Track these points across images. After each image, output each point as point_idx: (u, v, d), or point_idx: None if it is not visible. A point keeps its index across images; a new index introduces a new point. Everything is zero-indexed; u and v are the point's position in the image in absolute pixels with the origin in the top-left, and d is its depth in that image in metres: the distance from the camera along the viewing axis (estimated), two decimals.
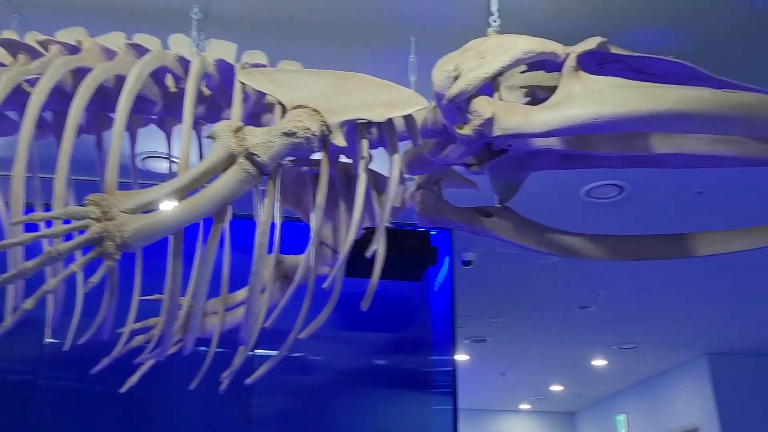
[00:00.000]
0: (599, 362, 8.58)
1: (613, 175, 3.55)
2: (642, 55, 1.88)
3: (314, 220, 1.67)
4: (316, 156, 2.19)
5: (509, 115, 1.73)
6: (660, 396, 9.02)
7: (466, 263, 4.60)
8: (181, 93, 1.98)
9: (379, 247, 2.00)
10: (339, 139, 1.62)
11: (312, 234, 2.14)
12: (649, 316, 6.37)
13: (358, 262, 2.66)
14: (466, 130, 1.76)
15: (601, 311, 6.17)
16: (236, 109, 1.76)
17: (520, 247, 2.34)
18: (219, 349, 2.02)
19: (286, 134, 1.56)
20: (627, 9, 2.44)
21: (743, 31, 2.47)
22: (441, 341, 4.45)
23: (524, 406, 12.42)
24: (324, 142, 1.65)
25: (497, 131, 1.73)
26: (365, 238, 1.96)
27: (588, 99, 1.70)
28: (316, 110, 1.62)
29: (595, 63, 1.94)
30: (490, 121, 1.71)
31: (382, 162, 2.02)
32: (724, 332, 6.96)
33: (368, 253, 1.78)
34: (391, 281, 3.47)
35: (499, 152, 2.13)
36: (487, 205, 2.36)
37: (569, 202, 3.84)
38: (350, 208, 2.26)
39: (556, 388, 10.63)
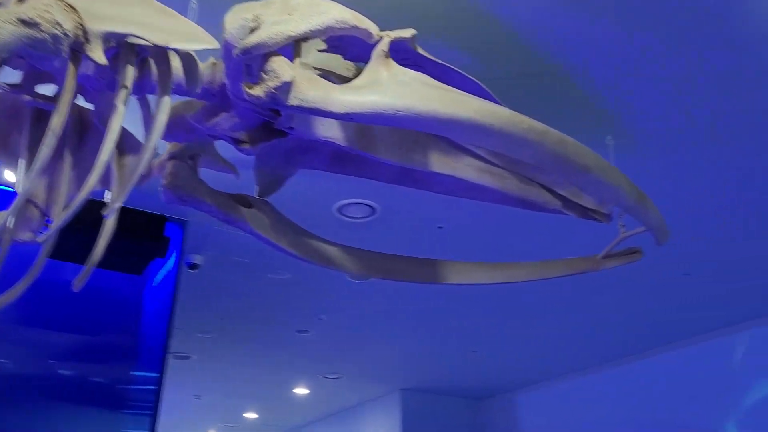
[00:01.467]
0: (301, 390, 8.56)
1: (367, 194, 3.53)
2: (444, 64, 1.84)
3: (39, 154, 1.22)
4: (44, 91, 1.71)
5: (310, 85, 1.52)
6: (352, 428, 9.33)
7: (192, 266, 4.15)
8: None
9: (111, 217, 1.60)
10: (97, 53, 1.22)
11: (22, 183, 1.65)
12: (357, 347, 6.53)
13: (64, 241, 2.14)
14: (257, 91, 1.49)
15: (318, 337, 6.13)
16: None
17: (274, 247, 2.14)
18: None
19: (25, 22, 1.11)
20: (431, 19, 2.44)
21: (529, 71, 2.64)
22: (148, 353, 3.87)
23: None
24: (75, 52, 1.23)
25: (293, 100, 1.50)
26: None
27: (394, 89, 1.58)
28: (72, 7, 1.20)
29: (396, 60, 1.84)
30: (287, 86, 1.48)
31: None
32: (417, 369, 7.48)
33: (105, 213, 1.38)
34: (102, 270, 2.90)
35: (276, 134, 1.90)
36: (247, 194, 2.12)
37: (320, 217, 3.72)
38: (78, 164, 1.81)
39: (250, 415, 10.34)
